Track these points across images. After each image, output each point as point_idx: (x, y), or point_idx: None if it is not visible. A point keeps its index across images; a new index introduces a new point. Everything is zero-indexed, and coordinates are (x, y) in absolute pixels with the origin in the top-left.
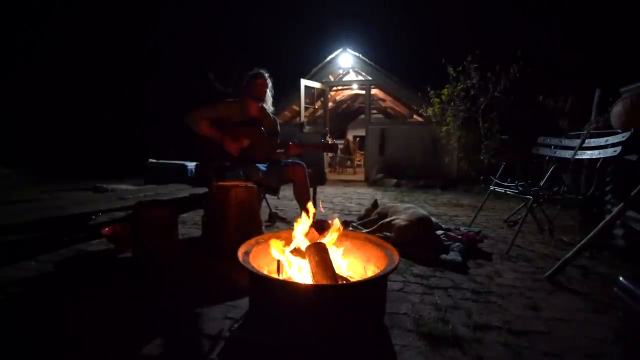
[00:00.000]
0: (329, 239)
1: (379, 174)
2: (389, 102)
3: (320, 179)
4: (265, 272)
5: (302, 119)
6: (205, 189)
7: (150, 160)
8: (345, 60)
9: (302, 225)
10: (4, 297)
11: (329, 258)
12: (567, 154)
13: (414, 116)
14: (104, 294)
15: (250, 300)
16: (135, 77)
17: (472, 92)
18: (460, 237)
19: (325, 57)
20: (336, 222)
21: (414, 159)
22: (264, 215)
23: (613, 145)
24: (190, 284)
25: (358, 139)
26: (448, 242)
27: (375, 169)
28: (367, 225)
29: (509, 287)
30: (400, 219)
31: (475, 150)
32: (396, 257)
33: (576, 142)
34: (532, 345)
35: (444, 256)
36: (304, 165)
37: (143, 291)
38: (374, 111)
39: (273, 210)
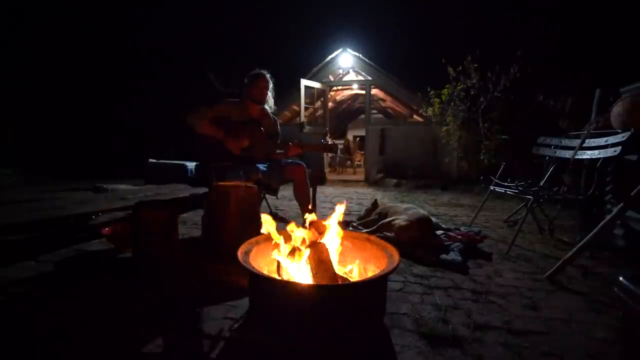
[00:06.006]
0: (329, 238)
1: (379, 174)
2: (389, 102)
3: (320, 179)
4: (265, 272)
5: (302, 119)
6: (205, 189)
7: (150, 160)
8: (345, 60)
9: (302, 225)
10: (4, 297)
11: (329, 258)
12: (567, 154)
13: (414, 116)
14: (103, 295)
15: (250, 300)
16: (135, 77)
17: (472, 92)
18: (460, 237)
19: (325, 57)
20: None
21: (414, 159)
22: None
23: (613, 145)
24: (190, 284)
25: (358, 139)
26: (448, 242)
27: (375, 169)
28: (367, 225)
29: (509, 287)
30: (400, 219)
31: (475, 150)
32: (396, 257)
33: (576, 142)
34: (532, 345)
35: (444, 256)
36: (304, 165)
37: (143, 291)
38: (374, 111)
39: (273, 210)
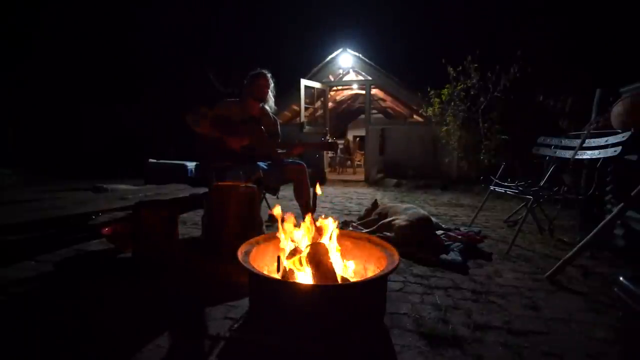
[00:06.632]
0: (329, 239)
1: (379, 174)
2: (389, 102)
3: (320, 179)
4: (265, 272)
5: (302, 119)
6: (205, 189)
7: (150, 160)
8: (345, 60)
9: (303, 225)
10: (4, 297)
11: (329, 258)
12: (567, 154)
13: (414, 116)
14: (103, 295)
15: (250, 300)
16: (135, 76)
17: (472, 92)
18: (460, 237)
19: (325, 57)
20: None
21: (414, 159)
22: (264, 215)
23: (613, 145)
24: (190, 284)
25: (358, 139)
26: (448, 242)
27: (375, 169)
28: (367, 225)
29: (509, 287)
30: (400, 219)
31: (475, 150)
32: (396, 257)
33: (576, 142)
34: (532, 345)
35: (444, 256)
36: (304, 165)
37: (143, 291)
38: (374, 111)
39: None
